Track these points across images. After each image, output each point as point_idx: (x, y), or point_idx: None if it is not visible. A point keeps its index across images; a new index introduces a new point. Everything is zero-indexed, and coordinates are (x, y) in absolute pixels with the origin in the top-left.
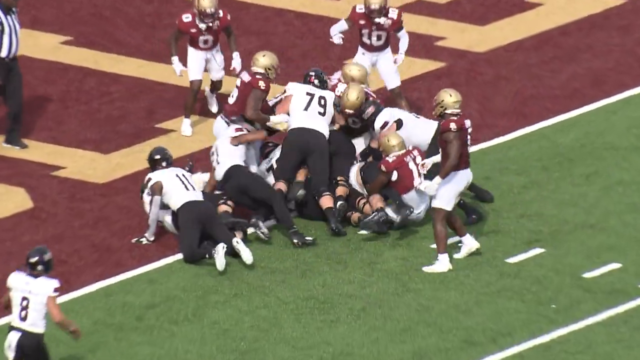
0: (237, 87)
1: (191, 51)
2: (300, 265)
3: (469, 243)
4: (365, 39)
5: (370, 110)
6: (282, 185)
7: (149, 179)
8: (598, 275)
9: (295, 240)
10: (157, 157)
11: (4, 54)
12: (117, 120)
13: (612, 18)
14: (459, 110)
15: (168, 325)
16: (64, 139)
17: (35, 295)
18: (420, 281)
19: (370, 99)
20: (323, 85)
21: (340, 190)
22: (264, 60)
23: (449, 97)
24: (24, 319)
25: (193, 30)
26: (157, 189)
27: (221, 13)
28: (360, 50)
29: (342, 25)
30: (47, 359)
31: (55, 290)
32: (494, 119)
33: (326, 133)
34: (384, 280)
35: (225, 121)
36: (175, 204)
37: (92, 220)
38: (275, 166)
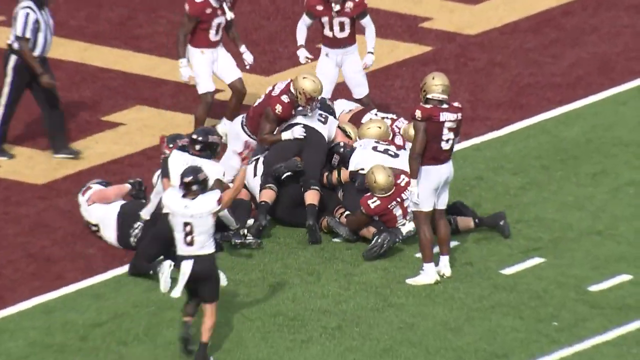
0: (265, 93)
1: (196, 55)
2: (267, 277)
3: (443, 265)
4: (327, 31)
5: (342, 146)
6: (268, 195)
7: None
8: (606, 288)
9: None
10: (184, 180)
11: (37, 52)
12: None
13: None
14: (441, 97)
15: (116, 347)
16: None
17: (198, 218)
18: (404, 295)
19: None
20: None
21: (311, 197)
22: (302, 82)
23: (431, 80)
24: (190, 244)
25: (208, 11)
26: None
27: None
28: (324, 50)
29: (304, 21)
30: (218, 280)
31: (218, 202)
32: (487, 110)
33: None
34: (362, 294)
35: (243, 129)
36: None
37: (30, 226)
38: (260, 165)
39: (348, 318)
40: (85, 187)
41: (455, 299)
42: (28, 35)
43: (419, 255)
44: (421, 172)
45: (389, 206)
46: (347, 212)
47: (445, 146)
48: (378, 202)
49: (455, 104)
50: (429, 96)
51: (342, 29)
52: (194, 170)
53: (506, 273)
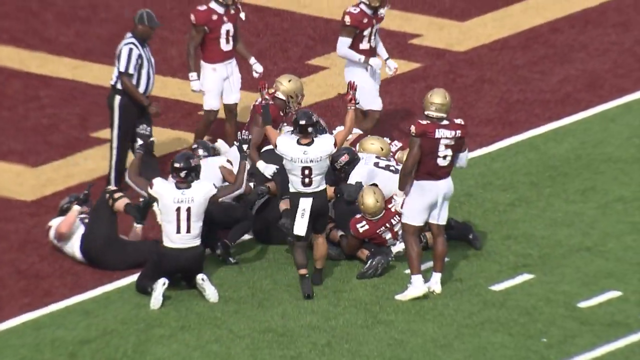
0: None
1: (208, 71)
2: (256, 293)
3: (434, 281)
4: (365, 43)
5: (344, 159)
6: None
7: (151, 184)
8: (595, 305)
9: (218, 252)
10: (176, 165)
11: (141, 89)
12: (47, 129)
13: (609, 13)
14: (436, 115)
15: None
16: None
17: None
18: (393, 312)
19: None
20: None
21: (285, 204)
22: (288, 85)
23: (429, 97)
24: (309, 185)
25: (214, 18)
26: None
27: None
28: (357, 66)
29: (345, 43)
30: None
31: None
32: (476, 127)
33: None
34: (351, 310)
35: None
36: (163, 232)
37: (19, 243)
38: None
39: (337, 334)
40: (47, 228)
41: (445, 316)
42: (131, 71)
43: (408, 271)
44: (415, 186)
45: (378, 231)
46: (340, 233)
47: (442, 162)
48: (367, 226)
49: (457, 121)
50: (425, 112)
51: (375, 37)
52: (186, 157)
53: (495, 289)
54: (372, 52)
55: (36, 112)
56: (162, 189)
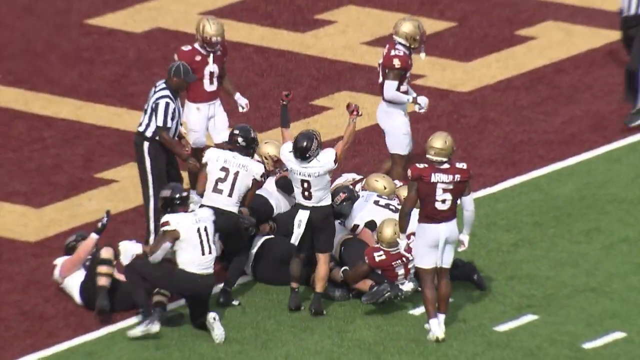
0: None
1: (192, 111)
2: (260, 334)
3: (433, 329)
4: (405, 86)
5: (340, 197)
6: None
7: (166, 222)
8: (600, 345)
9: (221, 299)
10: (183, 195)
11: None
12: (50, 169)
13: (614, 54)
14: (435, 159)
15: None
16: None
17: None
18: (397, 352)
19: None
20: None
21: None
22: (266, 148)
23: (429, 141)
24: (308, 198)
25: (198, 59)
26: (171, 238)
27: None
28: (398, 106)
29: (394, 86)
30: (333, 231)
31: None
32: (479, 167)
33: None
34: (355, 351)
35: None
36: (182, 263)
37: (22, 284)
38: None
39: None
40: (52, 267)
41: (449, 357)
42: (169, 124)
43: (411, 312)
44: (418, 228)
45: (393, 263)
46: (344, 268)
47: (440, 206)
48: (383, 256)
49: (459, 165)
50: (427, 156)
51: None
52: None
53: (500, 330)
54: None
55: (40, 153)
56: (178, 218)
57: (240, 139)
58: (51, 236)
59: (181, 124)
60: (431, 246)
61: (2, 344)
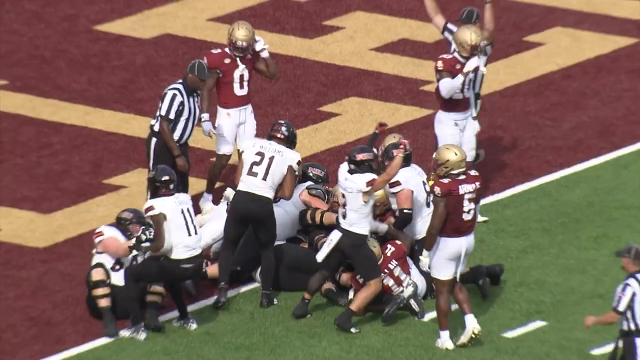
0: None
1: (222, 116)
2: (268, 340)
3: (469, 323)
4: (458, 93)
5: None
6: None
7: (150, 207)
8: (608, 352)
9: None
10: (165, 178)
11: (175, 135)
12: (59, 175)
13: (622, 60)
14: (462, 170)
15: None
16: None
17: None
18: (405, 358)
19: None
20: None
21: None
22: None
23: (454, 156)
24: (344, 217)
25: (227, 61)
26: (162, 221)
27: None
28: (450, 115)
29: (447, 81)
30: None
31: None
32: (488, 173)
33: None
34: (363, 357)
35: None
36: (170, 248)
37: (30, 290)
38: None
39: None
40: (98, 231)
41: None
42: (171, 116)
43: (418, 319)
44: (440, 242)
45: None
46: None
47: (466, 217)
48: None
49: (473, 173)
50: (454, 172)
51: (469, 88)
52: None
53: (508, 336)
54: (464, 104)
55: (48, 159)
56: (160, 201)
57: (283, 129)
58: (59, 242)
59: (197, 125)
60: (452, 259)
61: (10, 350)
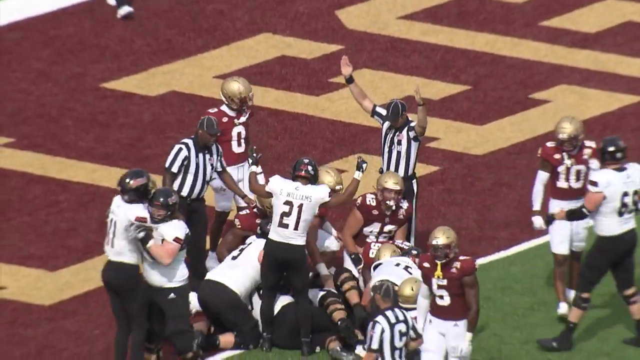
0: None
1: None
2: None
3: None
4: (563, 182)
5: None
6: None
7: (144, 219)
8: None
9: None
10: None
11: (184, 192)
12: (66, 233)
13: (628, 118)
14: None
15: None
16: (4, 255)
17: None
18: None
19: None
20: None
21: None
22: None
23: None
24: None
25: (225, 120)
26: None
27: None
28: (555, 203)
29: (541, 180)
30: None
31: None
32: (494, 230)
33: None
34: None
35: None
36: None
37: (36, 348)
38: None
39: None
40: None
41: None
42: (174, 169)
43: None
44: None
45: None
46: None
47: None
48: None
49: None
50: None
51: (578, 178)
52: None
53: None
54: (572, 193)
55: (55, 217)
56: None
57: (310, 168)
58: (65, 300)
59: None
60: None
61: None
